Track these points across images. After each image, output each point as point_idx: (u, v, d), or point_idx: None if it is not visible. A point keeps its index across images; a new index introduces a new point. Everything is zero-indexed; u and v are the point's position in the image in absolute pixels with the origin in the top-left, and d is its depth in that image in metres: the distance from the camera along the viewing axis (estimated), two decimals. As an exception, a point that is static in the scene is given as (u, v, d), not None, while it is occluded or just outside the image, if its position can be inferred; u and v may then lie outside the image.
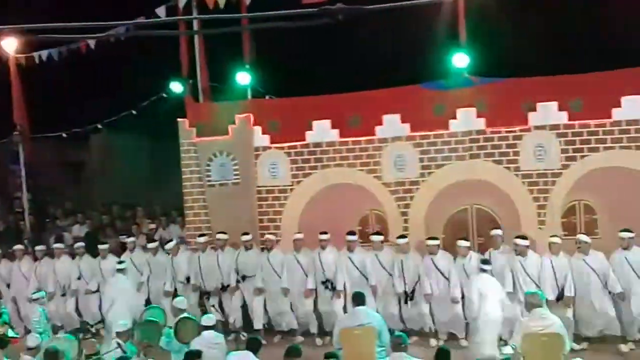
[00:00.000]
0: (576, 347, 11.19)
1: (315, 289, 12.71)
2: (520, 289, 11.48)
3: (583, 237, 11.62)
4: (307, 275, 12.70)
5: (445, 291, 12.00)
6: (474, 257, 12.03)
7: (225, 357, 9.67)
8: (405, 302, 12.27)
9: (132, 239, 14.47)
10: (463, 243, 12.07)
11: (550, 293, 11.35)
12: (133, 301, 12.94)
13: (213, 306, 12.53)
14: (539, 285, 11.40)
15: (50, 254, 14.59)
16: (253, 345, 9.52)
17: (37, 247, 14.79)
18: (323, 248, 12.67)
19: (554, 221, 12.43)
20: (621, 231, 11.37)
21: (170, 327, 10.64)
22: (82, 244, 14.65)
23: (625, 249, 11.38)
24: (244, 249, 13.17)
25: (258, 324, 12.94)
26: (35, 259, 14.60)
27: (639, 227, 11.35)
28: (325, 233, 12.67)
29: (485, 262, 11.31)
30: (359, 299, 10.53)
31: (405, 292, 12.24)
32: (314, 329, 12.79)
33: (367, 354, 9.72)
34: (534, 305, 9.72)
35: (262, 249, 13.24)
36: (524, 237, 11.79)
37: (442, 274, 12.04)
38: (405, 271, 12.23)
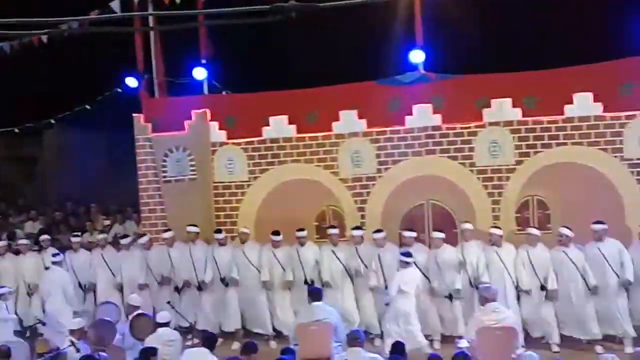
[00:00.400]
0: (555, 349, 11.29)
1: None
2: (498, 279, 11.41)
3: (565, 230, 11.49)
4: (284, 270, 12.56)
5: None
6: (448, 249, 12.02)
7: (181, 354, 9.62)
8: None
9: (102, 235, 14.18)
10: (438, 235, 12.07)
11: (527, 284, 11.41)
12: (72, 294, 12.72)
13: (169, 302, 12.38)
14: (514, 277, 11.47)
15: (15, 251, 14.22)
16: (209, 343, 9.48)
17: None
18: (302, 245, 12.60)
19: (507, 216, 12.60)
20: (593, 223, 11.32)
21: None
22: (47, 237, 14.37)
23: (598, 240, 11.32)
24: (218, 245, 12.93)
25: (230, 326, 12.74)
26: None
27: (590, 222, 11.49)
28: (303, 230, 12.62)
29: (407, 254, 11.35)
30: (315, 294, 10.55)
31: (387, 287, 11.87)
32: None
33: (323, 350, 9.73)
34: (488, 299, 9.83)
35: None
36: (498, 227, 11.89)
37: (419, 268, 11.87)
38: (384, 266, 12.01)
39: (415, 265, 11.68)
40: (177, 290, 13.00)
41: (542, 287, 11.46)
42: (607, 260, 11.20)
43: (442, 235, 12.07)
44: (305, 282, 12.40)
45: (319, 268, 12.46)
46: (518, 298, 11.58)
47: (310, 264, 12.48)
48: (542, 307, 11.44)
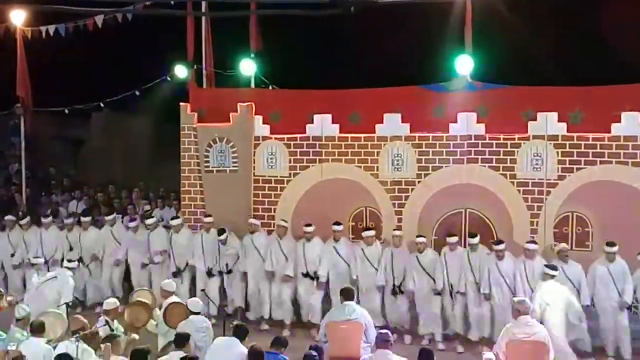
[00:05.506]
0: None
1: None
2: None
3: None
4: (287, 260, 12.90)
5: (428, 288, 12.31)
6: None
7: (212, 342, 9.73)
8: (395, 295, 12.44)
9: (112, 215, 14.73)
10: (452, 239, 12.32)
11: None
12: None
13: (203, 290, 12.58)
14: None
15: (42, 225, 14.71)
16: (240, 332, 9.57)
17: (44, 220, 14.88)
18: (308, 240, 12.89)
19: (545, 230, 12.52)
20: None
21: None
22: (88, 218, 14.83)
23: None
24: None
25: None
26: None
27: (630, 243, 11.42)
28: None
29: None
30: (347, 293, 10.57)
31: (394, 286, 12.45)
32: (287, 320, 12.99)
33: (352, 349, 9.77)
34: (521, 312, 9.77)
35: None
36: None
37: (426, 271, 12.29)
38: (395, 265, 12.43)
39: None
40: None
41: None
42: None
43: (455, 239, 12.31)
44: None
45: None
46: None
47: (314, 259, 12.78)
48: None
